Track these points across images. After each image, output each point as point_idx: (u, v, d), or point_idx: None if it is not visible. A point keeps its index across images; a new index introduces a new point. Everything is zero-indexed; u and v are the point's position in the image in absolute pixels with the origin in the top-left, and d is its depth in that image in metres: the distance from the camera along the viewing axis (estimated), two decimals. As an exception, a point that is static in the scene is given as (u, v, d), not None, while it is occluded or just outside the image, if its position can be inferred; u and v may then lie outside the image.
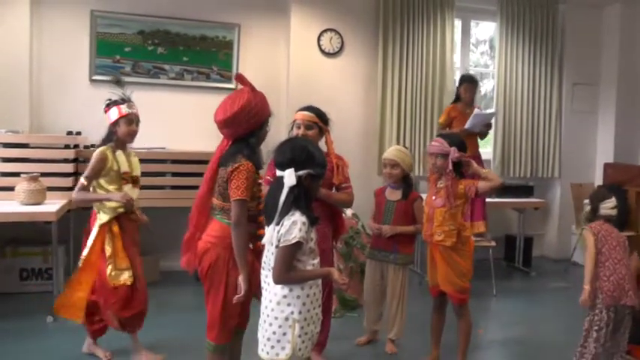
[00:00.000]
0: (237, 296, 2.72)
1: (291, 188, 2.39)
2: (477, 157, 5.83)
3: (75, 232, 5.23)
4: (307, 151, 2.47)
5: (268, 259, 2.48)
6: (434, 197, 3.55)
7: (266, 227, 2.51)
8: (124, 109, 3.61)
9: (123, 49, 5.69)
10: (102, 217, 3.56)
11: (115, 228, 3.56)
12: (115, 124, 3.61)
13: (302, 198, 2.41)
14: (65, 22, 5.53)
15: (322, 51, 6.17)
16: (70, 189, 4.88)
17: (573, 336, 4.37)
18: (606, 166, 6.85)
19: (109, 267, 3.53)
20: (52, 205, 4.54)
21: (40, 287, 5.04)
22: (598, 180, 6.92)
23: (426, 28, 6.35)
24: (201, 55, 5.92)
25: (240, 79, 2.90)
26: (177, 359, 3.72)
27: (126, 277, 3.55)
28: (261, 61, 6.10)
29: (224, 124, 2.82)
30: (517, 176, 6.80)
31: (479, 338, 4.17)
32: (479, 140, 5.93)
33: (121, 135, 3.61)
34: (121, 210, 3.57)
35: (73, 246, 5.23)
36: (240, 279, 2.71)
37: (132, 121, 3.64)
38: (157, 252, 5.66)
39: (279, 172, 2.45)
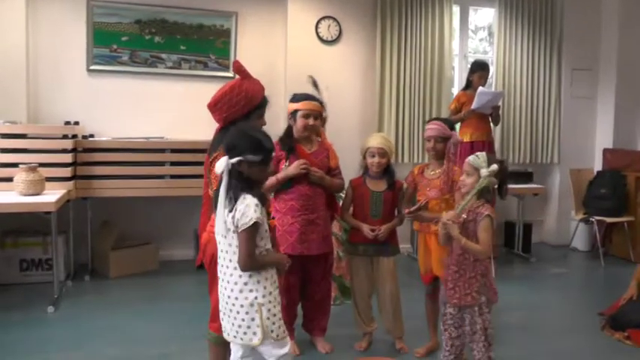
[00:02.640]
0: None
1: (229, 176, 2.39)
2: (490, 142, 5.84)
3: (74, 222, 5.24)
4: (243, 137, 2.45)
5: (225, 247, 2.48)
6: (428, 189, 3.55)
7: (214, 216, 2.50)
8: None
9: (120, 38, 5.65)
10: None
11: None
12: None
13: (245, 184, 2.41)
14: (61, 12, 5.49)
15: (320, 38, 6.14)
16: (69, 179, 4.88)
17: (573, 321, 4.41)
18: (605, 151, 6.85)
19: None
20: (52, 195, 4.53)
21: (41, 278, 5.05)
22: (597, 166, 6.93)
23: (424, 14, 6.32)
24: (198, 43, 5.89)
25: (235, 66, 2.92)
26: (177, 349, 3.72)
27: None
28: (259, 49, 6.07)
29: (210, 110, 2.89)
30: (516, 162, 6.79)
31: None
32: (492, 126, 5.96)
33: None
34: None
35: (72, 236, 5.24)
36: None
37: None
38: (156, 241, 5.67)
39: None
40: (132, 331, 4.02)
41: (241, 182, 2.41)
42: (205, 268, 2.92)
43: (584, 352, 3.90)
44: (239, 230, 2.38)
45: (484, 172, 3.01)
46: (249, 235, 2.38)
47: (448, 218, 3.03)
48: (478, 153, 3.12)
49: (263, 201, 2.46)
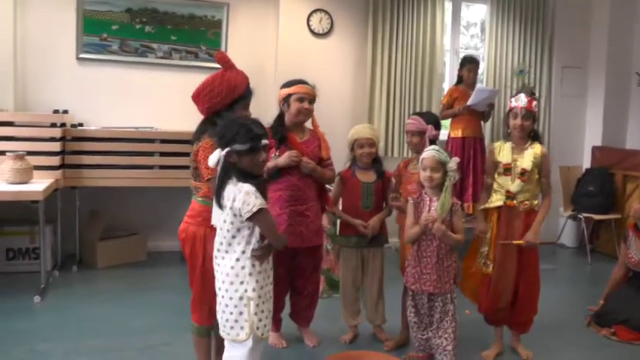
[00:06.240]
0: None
1: (224, 166, 2.38)
2: (481, 139, 5.87)
3: (62, 212, 5.20)
4: (231, 126, 2.44)
5: (222, 238, 2.46)
6: (408, 183, 3.56)
7: (215, 207, 2.50)
8: (514, 102, 3.56)
9: (110, 27, 5.60)
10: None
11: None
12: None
13: (241, 173, 2.40)
14: (51, -1, 5.43)
15: (312, 31, 6.11)
16: (57, 168, 4.84)
17: (560, 317, 4.43)
18: (594, 149, 6.88)
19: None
20: (39, 184, 4.50)
21: (27, 267, 5.01)
22: (586, 163, 6.95)
23: (416, 9, 6.31)
24: (189, 34, 5.85)
25: (217, 57, 2.92)
26: (163, 340, 3.71)
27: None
28: (250, 41, 6.03)
29: (193, 101, 2.89)
30: (506, 159, 6.80)
31: (465, 319, 4.19)
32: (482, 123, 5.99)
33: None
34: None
35: (60, 225, 5.21)
36: None
37: (516, 115, 3.48)
38: (144, 232, 5.64)
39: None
40: (119, 321, 4.00)
41: (235, 173, 2.39)
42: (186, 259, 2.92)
43: (571, 347, 3.93)
44: (244, 219, 2.35)
45: (451, 165, 3.07)
46: (264, 218, 2.37)
47: (427, 219, 3.09)
48: (435, 147, 3.19)
49: (262, 190, 2.44)
